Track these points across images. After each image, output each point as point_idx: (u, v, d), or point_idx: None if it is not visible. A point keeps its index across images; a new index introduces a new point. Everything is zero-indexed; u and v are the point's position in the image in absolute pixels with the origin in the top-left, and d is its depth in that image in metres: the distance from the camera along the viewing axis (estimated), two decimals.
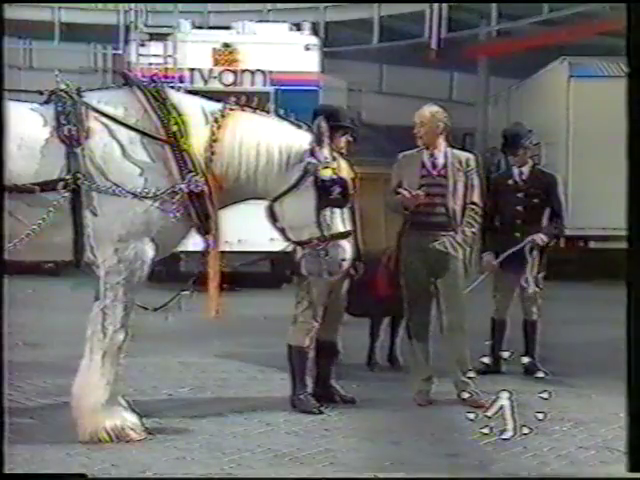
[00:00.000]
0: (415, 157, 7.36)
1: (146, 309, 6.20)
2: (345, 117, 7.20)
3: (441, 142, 7.34)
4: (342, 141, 7.02)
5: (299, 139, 6.20)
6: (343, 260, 6.23)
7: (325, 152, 6.15)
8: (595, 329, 10.12)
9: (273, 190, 6.17)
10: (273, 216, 6.30)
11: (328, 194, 6.10)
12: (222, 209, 6.18)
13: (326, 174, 6.12)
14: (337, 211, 6.17)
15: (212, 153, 6.07)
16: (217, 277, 6.20)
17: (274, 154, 6.13)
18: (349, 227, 6.26)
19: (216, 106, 6.23)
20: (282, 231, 6.36)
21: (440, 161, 7.31)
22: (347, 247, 6.23)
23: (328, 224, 6.13)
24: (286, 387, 7.16)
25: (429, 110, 7.38)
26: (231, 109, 6.22)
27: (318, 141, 6.13)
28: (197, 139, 6.06)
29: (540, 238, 8.33)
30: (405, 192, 7.19)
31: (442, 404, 7.19)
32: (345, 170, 6.33)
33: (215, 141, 6.07)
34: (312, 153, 6.13)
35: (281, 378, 7.56)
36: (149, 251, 6.02)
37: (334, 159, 6.22)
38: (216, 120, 6.11)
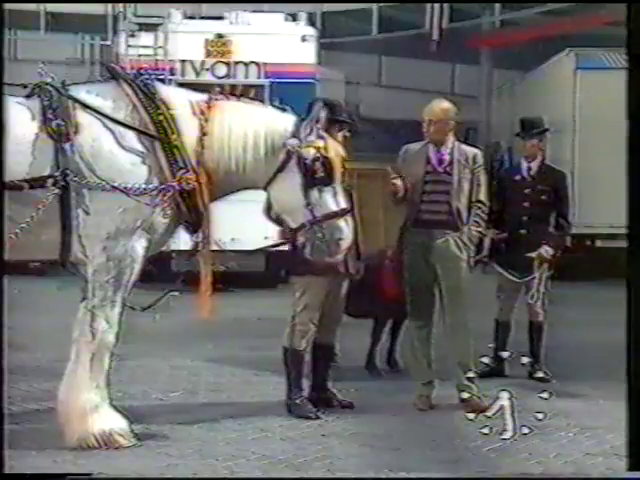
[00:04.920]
0: (420, 151, 7.34)
1: (134, 309, 6.21)
2: (343, 111, 7.20)
3: (449, 137, 7.33)
4: (339, 136, 7.03)
5: (283, 122, 6.29)
6: (340, 240, 6.25)
7: (308, 130, 6.21)
8: (602, 331, 10.10)
9: (263, 177, 6.24)
10: (269, 207, 6.39)
11: (312, 173, 6.17)
12: (215, 201, 6.22)
13: (308, 153, 6.18)
14: (327, 191, 6.22)
15: (202, 147, 6.12)
16: (209, 276, 6.22)
17: (261, 142, 6.21)
18: (343, 206, 6.28)
19: (202, 98, 6.29)
20: (279, 221, 6.45)
21: (446, 157, 7.28)
22: (343, 226, 6.26)
23: (318, 205, 6.19)
24: (281, 391, 7.17)
25: (440, 107, 7.33)
26: (216, 99, 6.28)
27: (308, 122, 6.21)
28: (187, 134, 6.10)
29: (546, 251, 8.33)
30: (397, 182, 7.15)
31: (444, 409, 7.20)
32: (333, 149, 6.35)
33: (204, 135, 6.13)
34: (294, 134, 6.20)
35: (276, 382, 7.56)
36: (139, 249, 6.03)
37: (321, 138, 6.27)
38: (203, 113, 6.16)
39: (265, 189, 6.30)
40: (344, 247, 6.31)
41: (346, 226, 6.27)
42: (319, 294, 6.98)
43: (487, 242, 7.72)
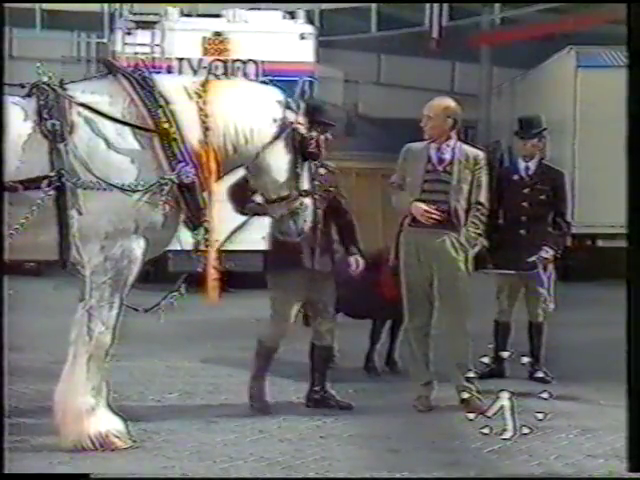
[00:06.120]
0: (422, 150, 7.33)
1: (136, 310, 6.21)
2: (326, 113, 7.21)
3: (451, 136, 7.31)
4: (321, 138, 7.02)
5: (276, 95, 6.46)
6: (305, 221, 6.48)
7: (297, 106, 6.41)
8: (603, 331, 10.12)
9: (255, 151, 6.32)
10: (244, 181, 6.62)
11: (305, 147, 6.34)
12: (220, 180, 6.32)
13: (301, 129, 6.36)
14: (306, 169, 6.42)
15: (206, 129, 6.14)
16: (215, 270, 6.25)
17: (262, 112, 6.33)
18: (309, 187, 6.49)
19: (196, 81, 6.37)
20: (245, 198, 6.72)
21: (447, 156, 7.28)
22: (310, 207, 6.50)
23: (302, 180, 6.39)
24: (280, 392, 7.18)
25: (439, 104, 7.32)
26: (210, 81, 6.38)
27: (297, 98, 6.50)
28: (186, 121, 6.10)
29: (546, 252, 8.33)
30: (421, 205, 7.16)
31: (443, 410, 7.20)
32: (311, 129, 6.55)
33: (206, 116, 6.15)
34: (289, 107, 6.37)
35: (274, 383, 7.57)
36: (137, 249, 6.03)
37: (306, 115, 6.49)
38: (200, 96, 6.21)
39: (253, 161, 6.35)
40: (308, 226, 6.53)
41: (311, 206, 6.51)
42: (292, 290, 7.07)
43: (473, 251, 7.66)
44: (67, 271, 6.16)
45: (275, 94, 6.46)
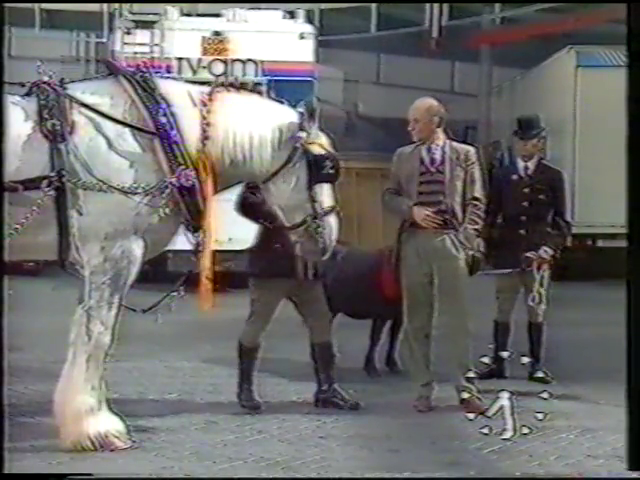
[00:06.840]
0: (413, 153, 7.35)
1: (134, 310, 6.21)
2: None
3: (439, 135, 7.33)
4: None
5: (288, 115, 6.31)
6: (332, 236, 6.32)
7: (314, 127, 6.24)
8: (603, 331, 10.13)
9: (267, 169, 6.23)
10: (256, 202, 6.51)
11: (320, 169, 6.19)
12: (217, 194, 6.23)
13: (316, 149, 6.22)
14: (324, 186, 6.26)
15: (206, 137, 6.10)
16: (210, 273, 6.22)
17: (267, 131, 6.21)
18: (333, 202, 6.32)
19: (203, 90, 6.30)
20: (268, 217, 6.53)
21: (438, 156, 7.30)
22: (334, 224, 6.32)
23: (319, 200, 6.23)
24: (279, 392, 7.18)
25: (422, 104, 7.35)
26: (218, 91, 6.30)
27: (309, 116, 6.23)
28: (188, 127, 6.09)
29: (545, 251, 8.33)
30: (423, 210, 7.16)
31: (443, 411, 7.21)
32: (329, 146, 6.39)
33: (208, 125, 6.11)
34: (302, 128, 6.21)
35: (274, 383, 7.58)
36: (136, 250, 6.03)
37: (322, 133, 6.33)
38: (205, 104, 6.16)
39: (263, 183, 6.29)
40: (334, 244, 6.38)
41: (336, 224, 6.34)
42: (276, 292, 7.15)
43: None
44: (66, 271, 6.17)
45: (288, 115, 6.28)
